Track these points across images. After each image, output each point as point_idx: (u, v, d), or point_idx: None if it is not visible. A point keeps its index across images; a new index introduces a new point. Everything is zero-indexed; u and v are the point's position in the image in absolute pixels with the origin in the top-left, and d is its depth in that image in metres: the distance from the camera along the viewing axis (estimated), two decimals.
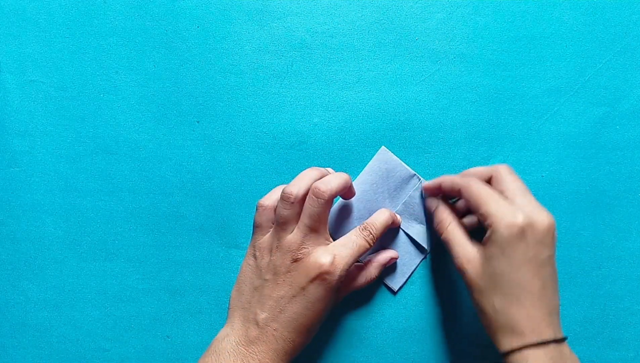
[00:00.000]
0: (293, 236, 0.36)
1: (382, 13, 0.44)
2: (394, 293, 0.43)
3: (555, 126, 0.43)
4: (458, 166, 0.43)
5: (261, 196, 0.40)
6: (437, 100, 0.43)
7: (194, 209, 0.43)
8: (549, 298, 0.34)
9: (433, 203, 0.40)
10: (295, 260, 0.36)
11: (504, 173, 0.37)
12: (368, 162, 0.43)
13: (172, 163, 0.43)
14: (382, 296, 0.43)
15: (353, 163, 0.43)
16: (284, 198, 0.37)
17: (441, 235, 0.38)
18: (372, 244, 0.38)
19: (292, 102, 0.43)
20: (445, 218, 0.38)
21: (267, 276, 0.37)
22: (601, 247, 0.43)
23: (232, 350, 0.35)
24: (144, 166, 0.43)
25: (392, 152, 0.43)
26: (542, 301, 0.33)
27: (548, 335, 0.33)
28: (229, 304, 0.39)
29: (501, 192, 0.35)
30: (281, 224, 0.37)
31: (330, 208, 0.38)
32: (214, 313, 0.43)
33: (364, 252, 0.38)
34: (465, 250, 0.36)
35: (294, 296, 0.36)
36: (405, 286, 0.43)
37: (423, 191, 0.42)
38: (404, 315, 0.42)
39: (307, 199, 0.36)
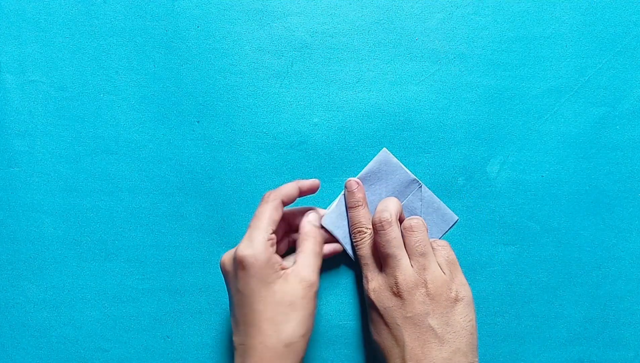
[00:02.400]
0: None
1: (382, 13, 0.44)
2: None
3: (555, 126, 0.43)
4: (458, 166, 0.43)
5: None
6: (437, 100, 0.43)
7: (194, 209, 0.43)
8: (423, 354, 0.34)
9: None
10: (226, 271, 0.36)
11: (376, 231, 0.38)
12: (368, 162, 0.43)
13: (172, 163, 0.43)
14: None
15: (353, 163, 0.43)
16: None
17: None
18: (276, 199, 0.36)
19: (292, 102, 0.43)
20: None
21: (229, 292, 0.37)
22: (601, 247, 0.43)
23: None
24: (144, 166, 0.43)
25: (392, 153, 0.43)
26: (414, 361, 0.34)
27: None
28: None
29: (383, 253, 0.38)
30: None
31: (271, 209, 0.36)
32: (214, 313, 0.43)
33: (275, 212, 0.36)
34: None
35: (236, 302, 0.35)
36: None
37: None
38: None
39: None
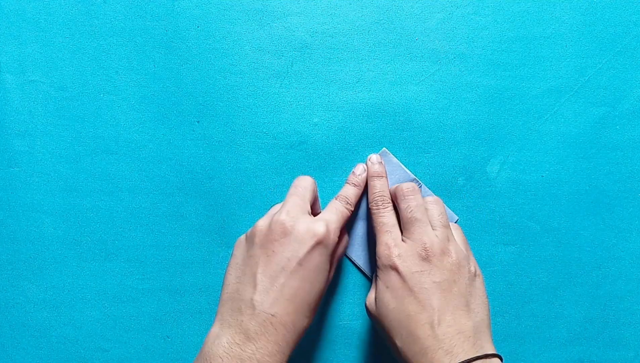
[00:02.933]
0: (279, 214, 0.36)
1: (382, 13, 0.44)
2: (369, 279, 0.43)
3: (555, 126, 0.43)
4: (458, 166, 0.43)
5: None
6: (437, 100, 0.43)
7: (194, 209, 0.43)
8: (454, 320, 0.33)
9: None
10: (285, 233, 0.34)
11: (401, 196, 0.38)
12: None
13: (172, 163, 0.43)
14: None
15: (353, 163, 0.43)
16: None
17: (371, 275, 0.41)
18: (351, 211, 0.39)
19: (292, 102, 0.43)
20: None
21: (256, 252, 0.34)
22: (601, 247, 0.43)
23: (224, 353, 0.31)
24: (144, 166, 0.43)
25: (392, 153, 0.43)
26: (444, 325, 0.32)
27: (462, 356, 0.31)
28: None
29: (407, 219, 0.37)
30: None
31: (313, 198, 0.39)
32: (214, 313, 0.42)
33: (347, 219, 0.38)
34: (372, 292, 0.37)
35: (292, 271, 0.33)
36: None
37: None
38: None
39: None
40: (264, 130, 0.43)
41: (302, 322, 0.33)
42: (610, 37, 0.44)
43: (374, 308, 0.36)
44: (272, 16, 0.44)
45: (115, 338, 0.42)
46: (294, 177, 0.43)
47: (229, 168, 0.43)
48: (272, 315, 0.32)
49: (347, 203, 0.39)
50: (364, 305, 0.43)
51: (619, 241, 0.43)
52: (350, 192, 0.40)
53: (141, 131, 0.43)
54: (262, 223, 0.36)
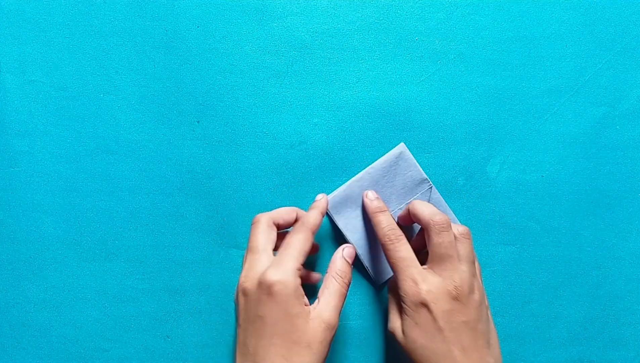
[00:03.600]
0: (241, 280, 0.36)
1: (382, 13, 0.44)
2: (377, 287, 0.43)
3: (555, 126, 0.43)
4: (458, 166, 0.43)
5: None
6: (437, 100, 0.43)
7: (194, 209, 0.43)
8: (479, 358, 0.34)
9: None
10: (245, 293, 0.34)
11: (435, 230, 0.36)
12: (368, 162, 0.43)
13: (172, 163, 0.43)
14: (383, 296, 0.43)
15: (353, 163, 0.43)
16: None
17: (388, 293, 0.40)
18: (310, 233, 0.36)
19: (292, 102, 0.43)
20: (393, 281, 0.40)
21: (245, 326, 0.35)
22: (601, 247, 0.43)
23: None
24: (144, 166, 0.43)
25: None
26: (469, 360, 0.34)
27: None
28: None
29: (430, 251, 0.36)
30: None
31: (303, 241, 0.36)
32: (214, 313, 0.43)
33: (309, 245, 0.36)
34: (396, 316, 0.37)
35: (252, 329, 0.33)
36: None
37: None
38: None
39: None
40: (264, 130, 0.43)
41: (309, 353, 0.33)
42: (610, 37, 0.44)
43: (402, 338, 0.36)
44: (272, 16, 0.44)
45: (115, 338, 0.42)
46: (294, 177, 0.43)
47: (229, 168, 0.43)
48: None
49: (306, 229, 0.36)
50: (364, 305, 0.43)
51: (619, 241, 0.43)
52: (311, 217, 0.37)
53: (141, 131, 0.43)
54: (235, 297, 0.36)
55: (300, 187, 0.43)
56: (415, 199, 0.42)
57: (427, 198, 0.42)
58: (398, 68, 0.44)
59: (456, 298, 0.34)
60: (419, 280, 0.35)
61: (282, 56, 0.44)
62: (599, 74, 0.44)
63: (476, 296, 0.35)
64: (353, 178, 0.42)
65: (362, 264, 0.42)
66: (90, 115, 0.43)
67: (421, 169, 0.43)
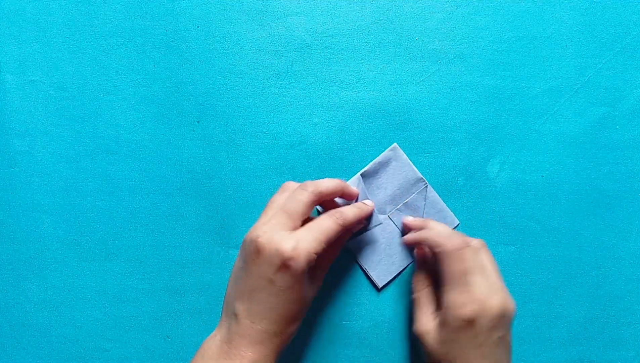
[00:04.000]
0: (255, 230, 0.35)
1: (382, 13, 0.44)
2: (377, 289, 0.43)
3: (555, 126, 0.43)
4: (458, 166, 0.43)
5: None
6: (437, 100, 0.43)
7: (194, 209, 0.43)
8: None
9: (419, 251, 0.41)
10: (257, 252, 0.34)
11: (473, 250, 0.37)
12: (367, 162, 0.43)
13: (172, 163, 0.43)
14: (383, 296, 0.43)
15: (353, 163, 0.43)
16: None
17: (412, 294, 0.40)
18: (341, 225, 0.36)
19: (292, 102, 0.43)
20: (422, 280, 0.40)
21: (240, 266, 0.35)
22: (601, 247, 0.43)
23: (216, 348, 0.34)
24: (144, 166, 0.43)
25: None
26: None
27: None
28: None
29: (464, 271, 0.36)
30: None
31: (311, 208, 0.36)
32: (214, 313, 0.43)
33: (334, 235, 0.36)
34: (427, 319, 0.37)
35: (263, 288, 0.34)
36: (401, 287, 0.43)
37: (404, 241, 0.41)
38: (405, 316, 0.42)
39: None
40: (264, 130, 0.43)
41: (283, 330, 0.34)
42: (610, 37, 0.44)
43: (432, 345, 0.36)
44: (272, 16, 0.44)
45: (115, 338, 0.42)
46: (294, 177, 0.43)
47: (229, 168, 0.43)
48: (252, 323, 0.34)
49: (339, 218, 0.36)
50: (364, 305, 0.43)
51: (619, 241, 0.43)
52: (349, 211, 0.38)
53: (141, 131, 0.43)
54: (247, 237, 0.35)
55: None
56: (410, 198, 0.42)
57: (423, 196, 0.42)
58: (398, 68, 0.44)
59: (499, 315, 0.35)
60: (467, 297, 0.35)
61: (282, 56, 0.44)
62: (599, 74, 0.44)
63: (510, 312, 0.36)
64: (347, 182, 0.42)
65: (362, 264, 0.43)
66: (90, 115, 0.43)
67: (415, 168, 0.43)
